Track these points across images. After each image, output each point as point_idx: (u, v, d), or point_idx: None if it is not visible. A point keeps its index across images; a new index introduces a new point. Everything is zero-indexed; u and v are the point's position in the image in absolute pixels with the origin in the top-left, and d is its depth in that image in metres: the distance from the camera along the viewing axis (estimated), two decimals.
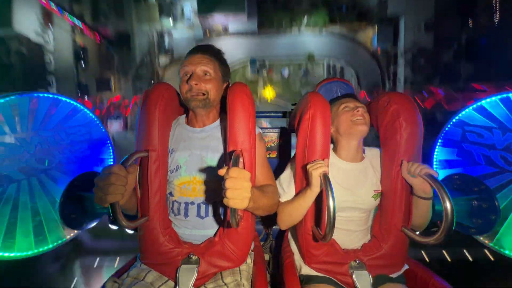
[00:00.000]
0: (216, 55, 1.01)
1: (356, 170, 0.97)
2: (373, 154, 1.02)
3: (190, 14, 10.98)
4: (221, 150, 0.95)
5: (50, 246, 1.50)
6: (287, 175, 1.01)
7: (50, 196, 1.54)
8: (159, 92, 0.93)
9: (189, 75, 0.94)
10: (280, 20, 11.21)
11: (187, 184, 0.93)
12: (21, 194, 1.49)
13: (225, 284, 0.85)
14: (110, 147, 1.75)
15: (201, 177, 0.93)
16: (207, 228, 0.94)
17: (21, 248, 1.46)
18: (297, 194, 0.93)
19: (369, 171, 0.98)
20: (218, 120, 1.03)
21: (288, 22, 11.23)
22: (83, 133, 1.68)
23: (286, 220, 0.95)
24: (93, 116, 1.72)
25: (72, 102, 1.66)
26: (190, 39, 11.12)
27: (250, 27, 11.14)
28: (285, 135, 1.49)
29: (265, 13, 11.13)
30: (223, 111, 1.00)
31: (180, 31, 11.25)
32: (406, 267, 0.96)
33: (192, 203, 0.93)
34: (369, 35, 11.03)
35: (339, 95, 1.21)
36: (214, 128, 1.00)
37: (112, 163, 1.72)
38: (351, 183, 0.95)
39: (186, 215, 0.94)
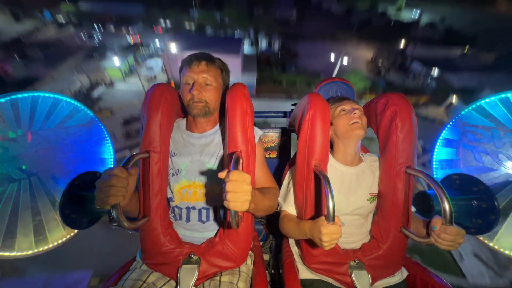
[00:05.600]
0: (218, 63, 1.00)
1: (352, 174, 0.97)
2: (372, 159, 1.02)
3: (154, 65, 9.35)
4: (221, 155, 0.95)
5: (50, 245, 1.50)
6: (286, 179, 1.02)
7: (51, 195, 1.54)
8: (160, 93, 0.93)
9: (190, 83, 0.94)
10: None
11: (187, 188, 0.94)
12: (22, 193, 1.49)
13: (220, 283, 0.86)
14: (111, 147, 1.75)
15: (201, 181, 0.93)
16: (208, 231, 0.95)
17: (21, 248, 1.46)
18: (299, 198, 0.92)
19: (365, 175, 0.98)
20: (218, 125, 1.03)
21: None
22: (84, 133, 1.69)
23: (288, 235, 0.98)
24: (94, 116, 1.72)
25: (72, 102, 1.67)
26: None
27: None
28: (285, 135, 1.49)
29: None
30: (222, 115, 0.99)
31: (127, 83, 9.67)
32: (406, 273, 0.96)
33: (194, 207, 0.94)
34: None
35: (339, 95, 1.21)
36: (214, 133, 1.00)
37: (112, 163, 1.72)
38: (347, 186, 0.96)
39: (188, 220, 0.94)
